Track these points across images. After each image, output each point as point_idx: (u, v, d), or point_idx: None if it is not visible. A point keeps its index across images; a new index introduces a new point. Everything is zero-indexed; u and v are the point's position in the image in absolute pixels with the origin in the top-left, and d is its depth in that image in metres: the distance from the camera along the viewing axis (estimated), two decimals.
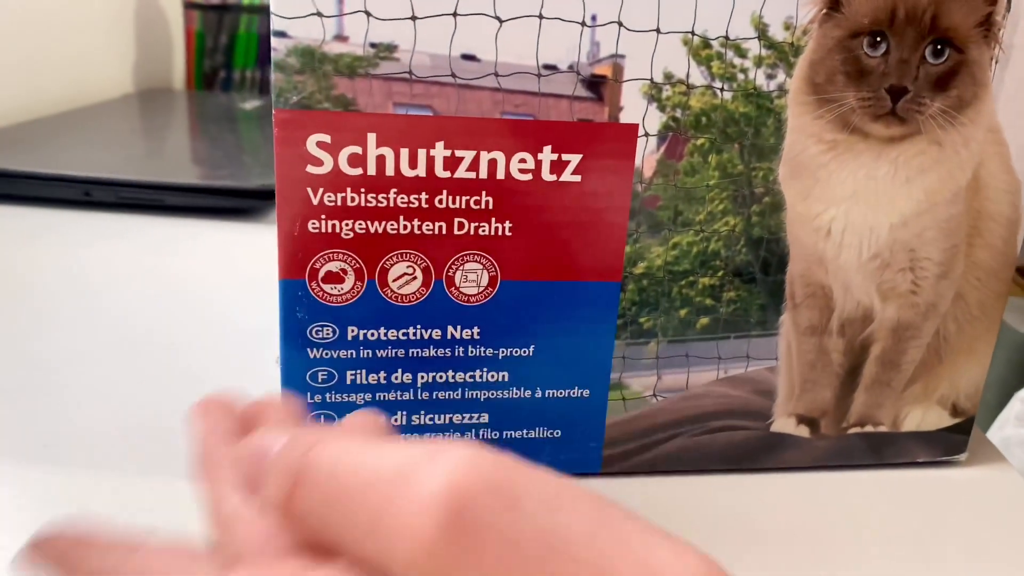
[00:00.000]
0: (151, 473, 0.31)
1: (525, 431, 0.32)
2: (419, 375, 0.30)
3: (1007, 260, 0.32)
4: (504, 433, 0.32)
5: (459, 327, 0.30)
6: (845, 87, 0.28)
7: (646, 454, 0.33)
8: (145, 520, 0.29)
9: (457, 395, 0.31)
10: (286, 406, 0.22)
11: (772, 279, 0.31)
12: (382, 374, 0.30)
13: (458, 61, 0.27)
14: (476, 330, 0.30)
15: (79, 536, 0.19)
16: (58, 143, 0.70)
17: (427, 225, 0.28)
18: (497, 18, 0.26)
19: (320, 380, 0.30)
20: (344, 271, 0.28)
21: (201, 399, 0.21)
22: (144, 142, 0.78)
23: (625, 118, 0.28)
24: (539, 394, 0.31)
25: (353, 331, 0.29)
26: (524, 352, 0.30)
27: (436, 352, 0.30)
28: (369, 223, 0.28)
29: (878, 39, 0.28)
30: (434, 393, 0.30)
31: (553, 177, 0.28)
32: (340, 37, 0.26)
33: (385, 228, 0.28)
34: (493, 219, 0.28)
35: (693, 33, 0.27)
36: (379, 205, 0.27)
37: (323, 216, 0.27)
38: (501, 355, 0.30)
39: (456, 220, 0.28)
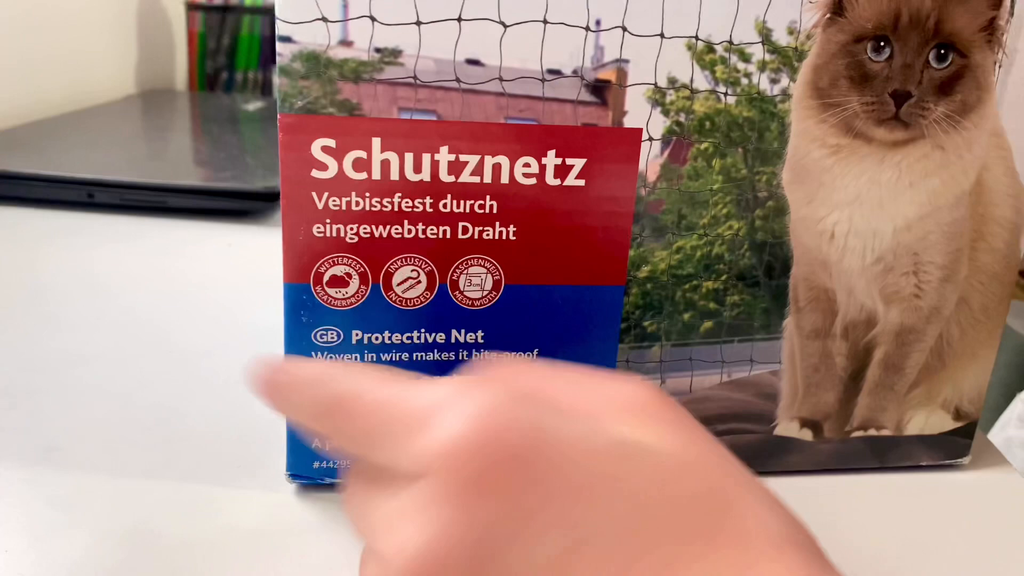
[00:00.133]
0: (157, 475, 0.31)
1: None
2: None
3: (1010, 264, 0.32)
4: None
5: (463, 331, 0.30)
6: (849, 91, 0.28)
7: None
8: (150, 521, 0.29)
9: None
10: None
11: (776, 283, 0.31)
12: None
13: (462, 66, 0.27)
14: (480, 334, 0.30)
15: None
16: (61, 145, 0.70)
17: (431, 229, 0.28)
18: (501, 23, 0.26)
19: None
20: (349, 275, 0.28)
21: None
22: (147, 144, 0.79)
23: (629, 122, 0.28)
24: None
25: (357, 335, 0.29)
26: (528, 356, 0.30)
27: (440, 356, 0.30)
28: (374, 227, 0.28)
29: (882, 44, 0.28)
30: None
31: (557, 181, 0.28)
32: (345, 42, 0.26)
33: (390, 232, 0.28)
34: (497, 223, 0.28)
35: (697, 38, 0.27)
36: (384, 209, 0.27)
37: (328, 220, 0.27)
38: None
39: (460, 224, 0.28)
